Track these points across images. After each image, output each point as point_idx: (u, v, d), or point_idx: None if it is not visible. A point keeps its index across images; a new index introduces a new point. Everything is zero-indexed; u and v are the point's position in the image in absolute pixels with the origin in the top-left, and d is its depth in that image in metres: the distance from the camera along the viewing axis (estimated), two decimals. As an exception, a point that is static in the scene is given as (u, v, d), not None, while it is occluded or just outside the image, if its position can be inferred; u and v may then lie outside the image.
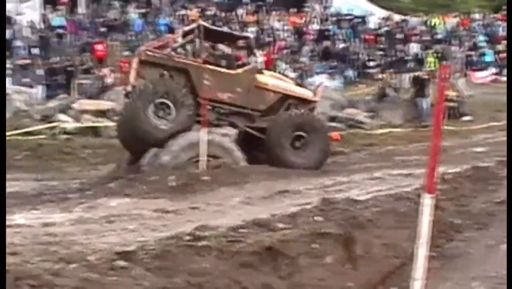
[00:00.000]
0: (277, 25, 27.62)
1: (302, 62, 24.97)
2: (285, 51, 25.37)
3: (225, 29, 20.66)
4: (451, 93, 18.81)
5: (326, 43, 26.73)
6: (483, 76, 26.96)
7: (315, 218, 6.30)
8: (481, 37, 29.63)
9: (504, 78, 25.45)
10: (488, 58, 28.41)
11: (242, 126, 11.90)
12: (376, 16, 30.59)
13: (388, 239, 5.97)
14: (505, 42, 29.24)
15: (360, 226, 6.10)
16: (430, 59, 24.98)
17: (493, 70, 27.79)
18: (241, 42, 12.93)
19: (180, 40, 12.28)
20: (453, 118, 18.59)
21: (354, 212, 6.47)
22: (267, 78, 12.17)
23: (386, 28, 29.16)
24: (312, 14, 29.45)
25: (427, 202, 4.19)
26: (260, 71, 12.42)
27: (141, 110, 10.84)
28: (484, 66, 27.98)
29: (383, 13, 31.92)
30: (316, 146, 11.81)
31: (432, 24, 30.14)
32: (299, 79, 18.84)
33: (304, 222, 6.15)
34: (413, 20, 30.70)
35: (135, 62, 11.47)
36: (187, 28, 12.98)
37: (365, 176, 10.54)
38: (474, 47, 28.97)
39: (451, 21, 30.81)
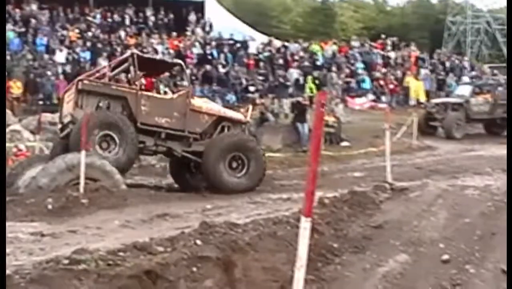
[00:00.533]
0: (158, 48, 27.62)
1: (182, 86, 24.96)
2: (165, 75, 25.35)
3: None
4: (329, 119, 19.57)
5: (207, 67, 27.02)
6: (361, 102, 28.21)
7: (195, 241, 6.41)
8: (359, 64, 31.03)
9: (381, 105, 26.86)
10: (366, 85, 29.80)
11: (179, 152, 12.44)
12: (257, 41, 31.28)
13: (267, 262, 6.17)
14: (382, 70, 30.91)
15: (240, 249, 6.27)
16: (310, 85, 25.90)
17: (371, 96, 29.18)
18: (174, 69, 13.01)
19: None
20: (332, 144, 19.33)
21: (233, 236, 6.64)
22: (200, 102, 12.92)
23: (266, 54, 29.88)
24: (194, 37, 29.72)
25: (305, 225, 4.32)
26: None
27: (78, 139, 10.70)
28: (362, 92, 29.30)
29: (264, 38, 32.74)
30: (252, 166, 12.40)
31: (312, 50, 31.22)
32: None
33: (183, 246, 6.25)
34: (294, 46, 31.59)
35: (72, 92, 11.92)
36: (120, 57, 13.46)
37: (245, 200, 10.81)
38: (353, 74, 30.27)
39: (331, 48, 32.02)
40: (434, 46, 44.95)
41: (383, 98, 29.84)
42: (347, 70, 30.22)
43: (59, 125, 12.70)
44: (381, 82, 30.14)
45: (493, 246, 7.50)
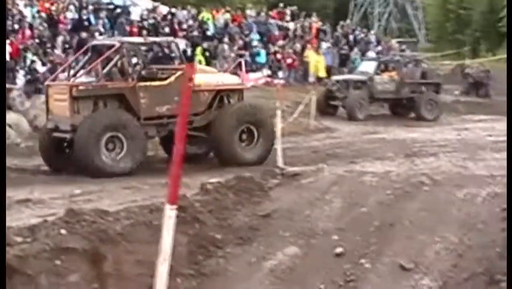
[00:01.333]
0: (26, 11, 26.68)
1: (54, 55, 24.35)
2: (32, 41, 24.53)
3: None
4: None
5: (83, 34, 26.38)
6: (255, 78, 28.43)
7: (60, 230, 6.34)
8: (255, 36, 31.23)
9: (278, 81, 27.22)
10: (261, 58, 30.04)
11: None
12: (140, 7, 30.82)
13: (141, 255, 6.20)
14: (280, 42, 31.22)
15: (110, 240, 6.25)
16: (199, 57, 25.89)
17: (266, 72, 29.47)
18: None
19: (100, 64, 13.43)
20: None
21: (103, 225, 6.60)
22: (199, 79, 12.86)
23: (151, 21, 29.53)
24: (68, 0, 28.91)
25: (169, 213, 4.26)
26: None
27: (93, 146, 12.16)
28: (257, 67, 29.54)
29: (148, 4, 32.30)
30: (263, 139, 13.51)
31: (202, 19, 31.13)
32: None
33: (46, 236, 6.17)
34: (182, 13, 31.36)
35: (66, 100, 12.54)
36: (108, 51, 13.53)
37: (119, 184, 10.74)
38: (247, 46, 30.44)
39: (223, 17, 32.02)
40: (338, 18, 45.96)
41: (280, 73, 30.19)
42: (241, 42, 30.34)
43: (50, 124, 13.24)
44: (278, 56, 30.50)
45: (391, 238, 7.82)
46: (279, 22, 33.71)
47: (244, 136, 13.58)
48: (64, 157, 13.37)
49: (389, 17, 68.76)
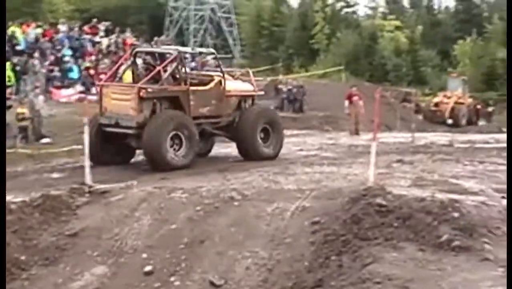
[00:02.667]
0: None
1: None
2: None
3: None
4: (22, 111, 19.02)
5: None
6: (68, 94, 27.75)
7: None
8: (67, 51, 30.51)
9: (91, 97, 26.71)
10: (74, 74, 29.38)
11: (210, 130, 15.20)
12: None
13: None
14: (93, 58, 30.71)
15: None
16: (8, 72, 24.89)
17: (79, 88, 28.84)
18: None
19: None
20: (28, 140, 18.78)
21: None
22: (229, 86, 15.32)
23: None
24: None
25: None
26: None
27: (162, 142, 13.69)
28: (70, 83, 28.86)
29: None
30: (275, 136, 15.61)
31: (12, 33, 29.97)
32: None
33: None
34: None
35: (132, 100, 14.06)
36: (168, 58, 15.20)
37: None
38: (59, 61, 29.66)
39: (34, 31, 31.00)
40: (155, 34, 45.95)
41: (94, 89, 29.71)
42: (52, 57, 29.52)
43: (104, 120, 14.44)
44: (91, 71, 29.98)
45: (201, 254, 7.88)
46: (93, 38, 33.16)
47: (262, 134, 15.41)
48: (110, 150, 14.65)
49: (204, 33, 69.72)
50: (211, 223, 8.58)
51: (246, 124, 15.20)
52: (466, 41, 58.60)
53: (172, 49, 16.09)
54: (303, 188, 10.11)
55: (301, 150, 17.58)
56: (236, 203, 9.13)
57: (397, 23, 62.73)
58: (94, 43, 32.82)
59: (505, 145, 21.40)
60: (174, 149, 13.98)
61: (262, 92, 16.98)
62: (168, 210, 8.87)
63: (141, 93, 14.08)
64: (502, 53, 55.36)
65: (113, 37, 33.98)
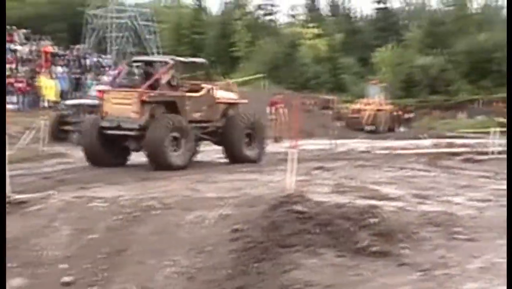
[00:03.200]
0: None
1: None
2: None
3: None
4: None
5: None
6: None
7: None
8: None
9: (10, 106, 26.18)
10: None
11: (199, 134, 16.21)
12: None
13: None
14: (11, 66, 30.12)
15: None
16: None
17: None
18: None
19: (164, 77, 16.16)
20: None
21: None
22: (218, 94, 16.80)
23: None
24: None
25: None
26: None
27: (164, 144, 14.83)
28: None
29: None
30: (258, 141, 16.90)
31: None
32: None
33: None
34: None
35: (134, 104, 15.23)
36: (165, 66, 16.53)
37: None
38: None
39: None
40: (74, 42, 45.34)
41: (13, 98, 29.17)
42: None
43: (105, 123, 15.62)
44: (10, 80, 29.35)
45: (121, 264, 7.80)
46: (10, 45, 32.48)
47: (247, 139, 16.61)
48: (108, 153, 15.76)
49: (125, 41, 69.08)
50: (131, 232, 8.51)
51: (232, 129, 16.51)
52: (385, 48, 59.86)
53: (168, 58, 17.31)
54: (224, 196, 10.13)
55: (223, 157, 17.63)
56: (156, 212, 9.09)
57: (317, 31, 63.66)
58: (12, 51, 32.25)
59: (423, 150, 22.09)
60: (175, 150, 15.16)
61: (246, 101, 18.22)
62: (87, 219, 8.76)
63: (143, 97, 15.27)
64: (420, 60, 56.82)
65: (30, 44, 33.52)
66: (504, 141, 24.40)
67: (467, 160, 18.19)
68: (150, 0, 78.05)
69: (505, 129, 30.96)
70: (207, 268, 7.58)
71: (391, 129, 40.82)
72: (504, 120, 29.25)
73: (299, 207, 8.30)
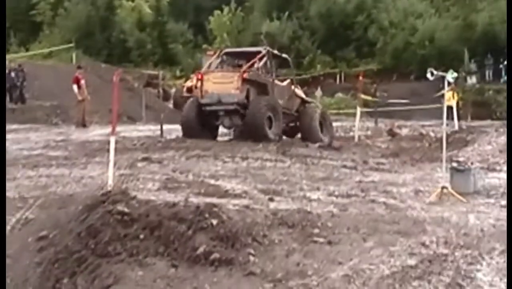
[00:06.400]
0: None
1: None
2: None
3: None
4: None
5: None
6: None
7: None
8: None
9: None
10: None
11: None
12: None
13: None
14: None
15: None
16: None
17: None
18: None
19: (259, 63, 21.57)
20: None
21: None
22: (295, 88, 23.02)
23: None
24: None
25: None
26: None
27: (264, 120, 20.26)
28: None
29: None
30: (329, 128, 22.95)
31: None
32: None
33: None
34: None
35: (235, 81, 20.65)
36: (258, 55, 21.90)
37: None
38: None
39: None
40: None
41: None
42: None
43: (205, 100, 20.76)
44: None
45: None
46: None
47: (319, 127, 22.45)
48: (203, 126, 20.89)
49: None
50: None
51: (306, 119, 22.37)
52: (223, 12, 60.21)
53: (261, 48, 23.42)
54: (25, 196, 10.00)
55: (22, 148, 17.30)
56: None
57: (139, -11, 63.10)
58: None
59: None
60: (269, 127, 20.47)
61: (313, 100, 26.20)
62: None
63: (244, 75, 20.55)
64: (266, 25, 57.63)
65: None
66: (370, 124, 25.46)
67: (325, 147, 18.82)
68: None
69: (371, 109, 32.50)
70: (6, 286, 7.46)
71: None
72: (369, 98, 30.49)
73: (120, 207, 8.30)
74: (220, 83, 20.99)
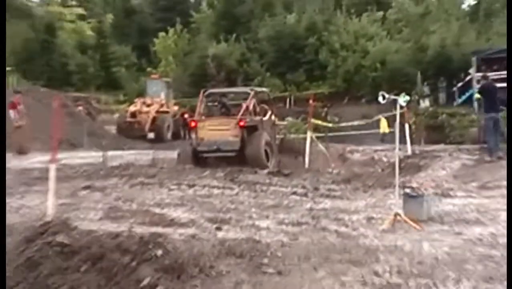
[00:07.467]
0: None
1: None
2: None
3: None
4: None
5: None
6: None
7: None
8: None
9: None
10: None
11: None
12: None
13: None
14: None
15: None
16: None
17: None
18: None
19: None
20: None
21: None
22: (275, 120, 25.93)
23: None
24: None
25: None
26: None
27: (262, 156, 22.35)
28: None
29: None
30: (273, 155, 23.45)
31: None
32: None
33: None
34: None
35: (233, 129, 22.52)
36: (258, 98, 25.21)
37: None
38: None
39: None
40: None
41: None
42: None
43: (204, 147, 22.27)
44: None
45: None
46: None
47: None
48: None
49: None
50: None
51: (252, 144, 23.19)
52: (168, 34, 60.27)
53: (247, 89, 25.69)
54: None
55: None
56: None
57: (80, 10, 63.04)
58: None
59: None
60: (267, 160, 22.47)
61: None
62: None
63: (241, 123, 22.29)
64: (213, 48, 57.74)
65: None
66: (322, 148, 25.60)
67: (275, 173, 18.84)
68: None
69: (322, 134, 32.65)
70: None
71: (178, 136, 41.04)
72: (321, 122, 30.62)
73: (60, 239, 8.21)
74: (216, 130, 22.57)
